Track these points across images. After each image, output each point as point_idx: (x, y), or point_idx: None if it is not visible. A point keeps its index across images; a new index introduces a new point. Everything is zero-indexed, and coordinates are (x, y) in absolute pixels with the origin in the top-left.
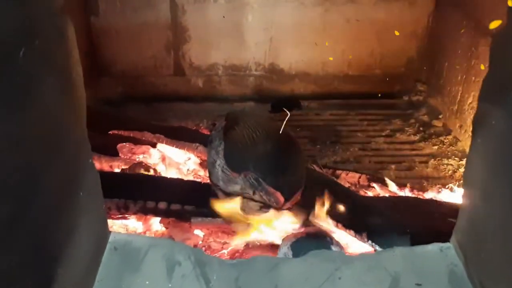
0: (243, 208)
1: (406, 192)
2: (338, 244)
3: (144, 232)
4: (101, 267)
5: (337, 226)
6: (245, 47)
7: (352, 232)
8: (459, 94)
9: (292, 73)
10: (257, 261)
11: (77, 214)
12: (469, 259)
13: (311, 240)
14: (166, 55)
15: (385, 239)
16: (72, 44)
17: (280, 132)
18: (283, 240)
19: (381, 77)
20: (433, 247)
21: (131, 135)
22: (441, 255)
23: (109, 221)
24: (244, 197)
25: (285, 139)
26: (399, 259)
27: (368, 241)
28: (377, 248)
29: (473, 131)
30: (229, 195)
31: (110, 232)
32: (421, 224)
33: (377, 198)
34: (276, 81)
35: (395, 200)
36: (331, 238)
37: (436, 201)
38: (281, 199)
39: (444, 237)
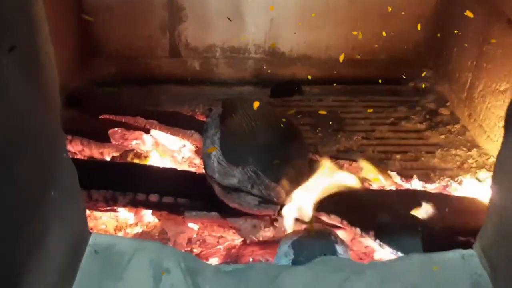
0: None
1: (413, 184)
2: (343, 243)
3: (136, 224)
4: (79, 273)
5: (341, 223)
6: (245, 28)
7: (358, 230)
8: (469, 81)
9: (294, 56)
10: (257, 269)
11: (48, 216)
12: (496, 270)
13: (313, 239)
14: (161, 35)
15: (395, 238)
16: (38, 16)
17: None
18: (283, 238)
19: (386, 62)
20: (454, 254)
21: (123, 120)
22: (463, 264)
23: (98, 213)
24: (241, 191)
25: (287, 128)
26: (416, 268)
27: (376, 240)
28: (386, 248)
29: (505, 128)
30: (225, 188)
31: (90, 233)
32: (432, 220)
33: (383, 192)
34: (277, 64)
35: (402, 193)
36: (336, 236)
37: (446, 195)
38: (282, 193)
39: (457, 235)
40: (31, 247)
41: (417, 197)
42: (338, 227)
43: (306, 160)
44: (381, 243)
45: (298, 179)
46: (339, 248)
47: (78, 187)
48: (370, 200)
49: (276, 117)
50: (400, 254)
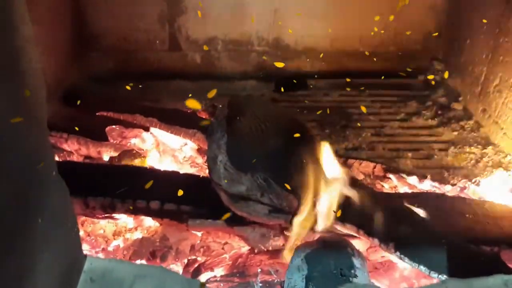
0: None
1: (427, 185)
2: (360, 255)
3: (136, 228)
4: None
5: (358, 232)
6: (247, 19)
7: (376, 241)
8: (483, 75)
9: (298, 49)
10: None
11: (34, 246)
12: None
13: (329, 251)
14: (160, 28)
15: (416, 251)
16: (16, 16)
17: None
18: (295, 250)
19: (395, 55)
20: (495, 281)
21: (121, 117)
22: None
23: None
24: (250, 200)
25: (299, 131)
26: None
27: (395, 252)
28: (407, 261)
29: None
30: (232, 196)
31: (85, 256)
32: (454, 229)
33: (400, 195)
34: (281, 57)
35: (418, 197)
36: (352, 249)
37: (465, 198)
38: (295, 202)
39: (481, 244)
40: (15, 280)
41: (436, 202)
42: (353, 236)
43: (320, 165)
44: (402, 256)
45: (311, 186)
46: (356, 262)
47: (70, 209)
48: (387, 206)
49: (287, 119)
50: (422, 268)
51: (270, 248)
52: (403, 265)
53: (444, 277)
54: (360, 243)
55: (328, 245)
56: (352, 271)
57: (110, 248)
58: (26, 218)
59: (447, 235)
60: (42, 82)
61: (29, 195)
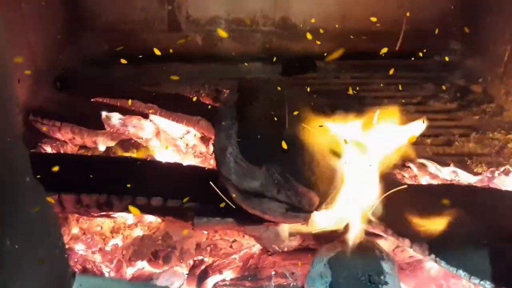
0: None
1: (449, 174)
2: (389, 258)
3: (136, 224)
4: None
5: (385, 232)
6: None
7: (407, 242)
8: (506, 55)
9: (306, 28)
10: None
11: (3, 275)
12: None
13: (355, 254)
14: (159, 7)
15: (454, 253)
16: None
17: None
18: (316, 254)
19: (409, 33)
20: None
21: (118, 103)
22: None
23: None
24: (264, 197)
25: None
26: None
27: (430, 255)
28: (443, 265)
29: None
30: (244, 193)
31: (74, 274)
32: (487, 225)
33: (424, 188)
34: (288, 37)
35: (444, 189)
36: (381, 251)
37: (495, 189)
38: (315, 200)
39: None
40: None
41: (465, 194)
42: (379, 236)
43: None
44: (438, 259)
45: (333, 181)
46: (385, 266)
47: (52, 220)
48: (416, 200)
49: (304, 104)
50: (462, 273)
51: (285, 249)
52: (430, 265)
53: (487, 283)
54: (385, 243)
55: (354, 247)
56: (382, 277)
57: (108, 248)
58: None
59: (485, 234)
60: (8, 69)
61: None
